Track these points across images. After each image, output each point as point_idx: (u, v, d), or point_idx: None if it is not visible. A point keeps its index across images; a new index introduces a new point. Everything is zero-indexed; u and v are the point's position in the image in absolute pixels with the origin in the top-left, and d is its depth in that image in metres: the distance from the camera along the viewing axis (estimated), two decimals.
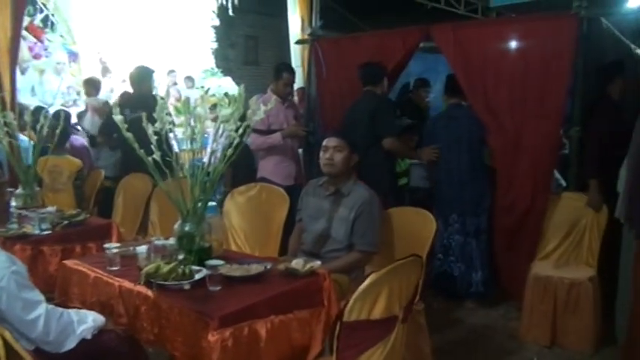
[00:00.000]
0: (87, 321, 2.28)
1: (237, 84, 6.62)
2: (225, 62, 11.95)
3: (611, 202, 3.62)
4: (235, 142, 2.58)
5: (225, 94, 7.61)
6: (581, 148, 3.99)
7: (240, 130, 2.58)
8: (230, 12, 9.74)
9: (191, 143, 2.62)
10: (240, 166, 5.09)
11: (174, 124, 2.61)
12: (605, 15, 4.56)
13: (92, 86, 7.39)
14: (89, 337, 2.25)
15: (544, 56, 4.05)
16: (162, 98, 2.61)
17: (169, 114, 2.61)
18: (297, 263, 2.54)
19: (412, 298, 2.29)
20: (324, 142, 3.23)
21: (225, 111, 2.58)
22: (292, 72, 4.77)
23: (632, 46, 6.19)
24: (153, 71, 5.11)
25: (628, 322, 3.11)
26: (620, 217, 3.47)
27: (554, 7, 4.41)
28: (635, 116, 4.18)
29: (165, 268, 2.38)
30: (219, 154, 2.64)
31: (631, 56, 5.68)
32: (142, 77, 4.98)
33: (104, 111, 6.70)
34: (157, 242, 2.70)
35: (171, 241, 2.69)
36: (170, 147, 2.57)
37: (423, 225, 3.10)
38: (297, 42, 7.17)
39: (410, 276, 2.22)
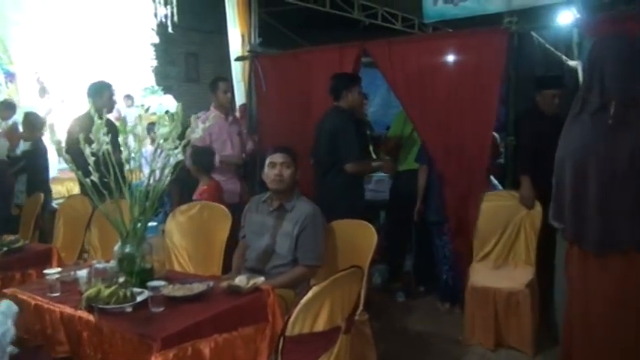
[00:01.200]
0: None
1: (179, 101, 6.56)
2: (166, 80, 11.84)
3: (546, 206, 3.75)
4: (174, 161, 2.58)
5: (166, 112, 7.54)
6: (516, 156, 4.14)
7: (179, 149, 2.58)
8: (170, 29, 9.67)
9: (129, 163, 2.60)
10: (187, 185, 5.04)
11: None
12: (536, 30, 4.76)
13: (7, 109, 7.07)
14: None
15: (477, 69, 4.20)
16: (100, 118, 2.58)
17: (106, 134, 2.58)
18: (240, 280, 2.54)
19: (354, 309, 2.33)
20: (270, 158, 3.24)
21: (163, 129, 2.58)
22: (226, 80, 4.96)
23: (564, 58, 6.48)
24: (109, 85, 4.93)
25: (563, 322, 3.22)
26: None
27: (488, 22, 4.58)
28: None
29: (106, 292, 2.34)
30: (158, 174, 2.63)
31: (562, 68, 5.94)
32: (98, 92, 4.83)
33: (13, 135, 6.45)
34: (97, 265, 2.64)
35: (112, 263, 2.66)
36: (107, 168, 2.55)
37: (364, 237, 3.14)
38: (237, 59, 7.17)
39: (351, 287, 2.26)
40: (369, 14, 8.85)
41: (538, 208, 3.84)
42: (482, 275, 3.82)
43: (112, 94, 4.75)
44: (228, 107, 4.78)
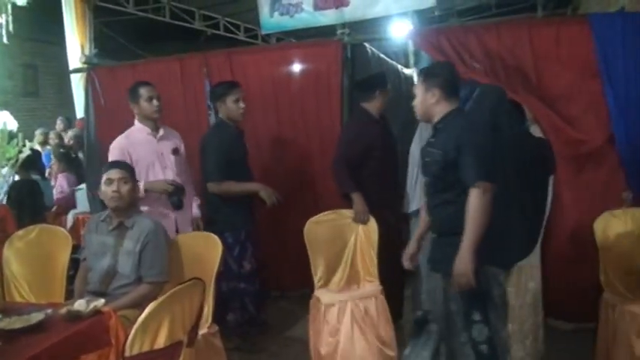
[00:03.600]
0: None
1: (17, 118, 6.14)
2: (2, 94, 11.05)
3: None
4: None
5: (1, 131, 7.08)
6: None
7: (4, 170, 2.47)
8: (5, 39, 9.05)
9: None
10: (25, 207, 4.77)
11: None
12: (368, 41, 5.05)
13: None
14: None
15: (315, 78, 4.42)
16: None
17: None
18: (79, 304, 2.47)
19: (197, 322, 2.37)
20: (107, 175, 3.13)
21: None
22: (148, 85, 3.85)
23: (399, 66, 6.91)
24: None
25: None
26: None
27: (330, 33, 4.80)
28: (403, 130, 4.66)
29: None
30: None
31: (399, 76, 6.33)
32: None
33: None
34: None
35: None
36: None
37: (209, 249, 3.19)
38: (73, 71, 6.88)
39: (192, 300, 2.30)
40: (211, 24, 8.82)
41: (373, 223, 3.80)
42: (329, 296, 3.63)
43: None
44: (156, 118, 3.82)
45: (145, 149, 3.75)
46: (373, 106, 4.00)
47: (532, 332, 3.36)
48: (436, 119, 2.73)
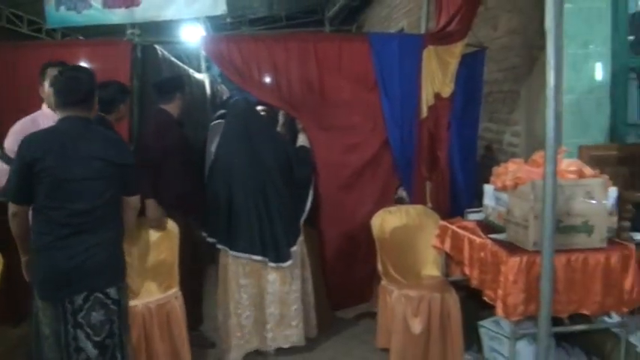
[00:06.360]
0: None
1: None
2: None
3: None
4: None
5: None
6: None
7: None
8: None
9: None
10: None
11: None
12: (159, 43, 5.06)
13: None
14: None
15: (103, 78, 4.22)
16: None
17: None
18: None
19: None
20: None
21: None
22: (59, 65, 3.47)
23: (191, 70, 6.98)
24: None
25: None
26: None
27: (121, 32, 4.71)
28: (194, 132, 4.72)
29: None
30: None
31: (190, 80, 6.40)
32: None
33: None
34: None
35: None
36: None
37: None
38: None
39: None
40: None
41: (173, 228, 3.86)
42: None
43: None
44: None
45: None
46: (172, 107, 4.11)
47: (298, 316, 3.80)
48: None
